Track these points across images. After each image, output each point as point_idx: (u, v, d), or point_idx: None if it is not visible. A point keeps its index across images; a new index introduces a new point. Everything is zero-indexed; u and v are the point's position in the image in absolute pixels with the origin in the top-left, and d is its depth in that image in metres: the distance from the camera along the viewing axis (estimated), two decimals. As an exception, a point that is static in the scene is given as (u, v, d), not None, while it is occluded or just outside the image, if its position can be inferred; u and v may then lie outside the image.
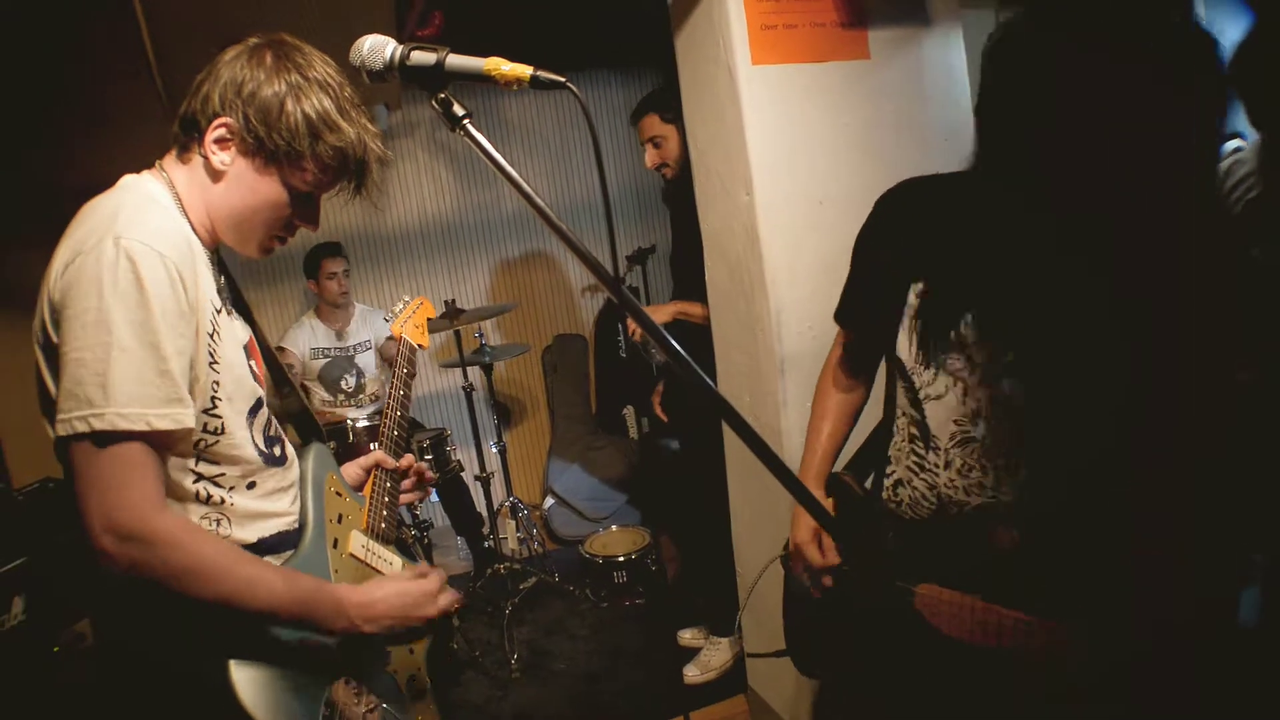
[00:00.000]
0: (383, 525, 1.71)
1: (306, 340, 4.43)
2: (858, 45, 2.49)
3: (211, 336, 1.33)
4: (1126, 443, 1.31)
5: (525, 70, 1.06)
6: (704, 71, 2.53)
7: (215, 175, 1.38)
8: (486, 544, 4.44)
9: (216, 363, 1.34)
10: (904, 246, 1.54)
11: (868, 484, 1.75)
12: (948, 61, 2.60)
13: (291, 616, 1.30)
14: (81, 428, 1.16)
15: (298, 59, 1.37)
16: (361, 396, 4.45)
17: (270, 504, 1.44)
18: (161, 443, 1.23)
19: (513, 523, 4.54)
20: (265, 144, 1.34)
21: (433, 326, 3.79)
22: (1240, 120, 2.79)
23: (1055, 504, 1.40)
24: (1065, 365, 1.33)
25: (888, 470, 1.66)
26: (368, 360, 4.51)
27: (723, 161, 2.53)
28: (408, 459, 1.85)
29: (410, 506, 4.16)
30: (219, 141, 1.36)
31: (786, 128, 2.41)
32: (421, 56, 1.10)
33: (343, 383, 4.42)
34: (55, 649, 2.98)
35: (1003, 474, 1.43)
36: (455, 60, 1.09)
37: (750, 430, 1.07)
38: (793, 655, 1.86)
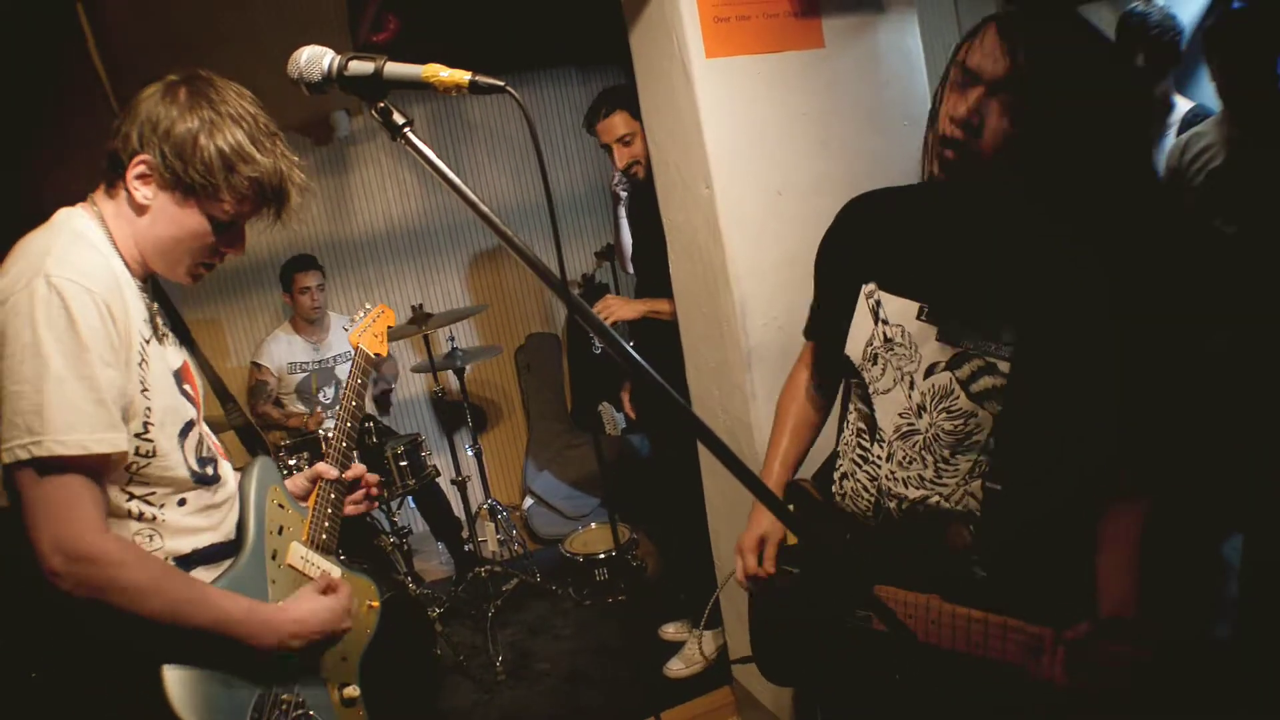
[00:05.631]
0: (324, 536, 1.75)
1: (284, 354, 4.38)
2: (812, 34, 2.49)
3: (141, 365, 1.40)
4: (1084, 437, 1.34)
5: (463, 76, 1.06)
6: (659, 67, 2.52)
7: (139, 209, 1.44)
8: (466, 547, 4.42)
9: (147, 390, 1.40)
10: (857, 250, 1.60)
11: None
12: (905, 47, 2.60)
13: (225, 635, 1.37)
14: (23, 455, 1.23)
15: (211, 94, 1.43)
16: (338, 408, 4.40)
17: (201, 519, 1.51)
18: (99, 467, 1.30)
19: (492, 525, 4.53)
20: (182, 178, 1.40)
21: (402, 333, 3.76)
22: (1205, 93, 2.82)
23: (1007, 498, 1.40)
24: (1016, 359, 1.35)
25: (837, 464, 1.68)
26: (347, 371, 4.45)
27: (681, 156, 2.52)
28: (356, 469, 1.89)
29: (388, 513, 4.15)
30: (140, 177, 1.42)
31: (743, 120, 2.40)
32: (359, 66, 1.08)
33: (320, 394, 4.38)
34: (33, 675, 2.94)
35: (943, 466, 1.44)
36: (393, 68, 1.08)
37: (710, 433, 1.06)
38: (760, 664, 1.87)
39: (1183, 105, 2.89)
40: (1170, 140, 2.79)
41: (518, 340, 5.55)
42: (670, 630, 3.65)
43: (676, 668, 3.37)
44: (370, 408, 4.60)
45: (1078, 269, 1.29)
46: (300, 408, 4.39)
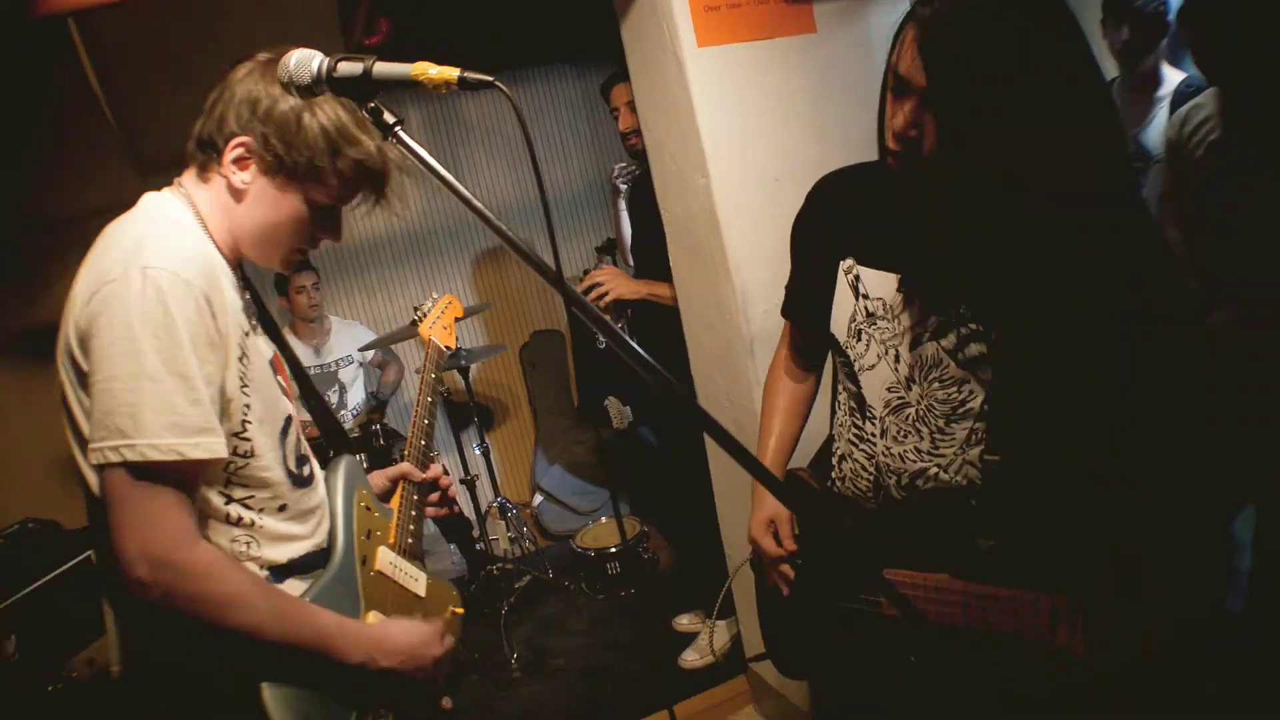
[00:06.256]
0: (409, 540, 1.66)
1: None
2: (803, 19, 2.49)
3: (241, 360, 1.32)
4: (1077, 401, 1.31)
5: (452, 72, 1.05)
6: (652, 58, 2.52)
7: (237, 195, 1.37)
8: (478, 546, 4.43)
9: (247, 386, 1.33)
10: (830, 228, 1.58)
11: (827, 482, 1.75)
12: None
13: (312, 649, 1.29)
14: (114, 458, 1.15)
15: None
16: (344, 412, 4.42)
17: (299, 526, 1.43)
18: (194, 472, 1.23)
19: (502, 523, 4.53)
20: (285, 161, 1.33)
21: (405, 334, 3.77)
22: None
23: (1006, 466, 1.39)
24: (1000, 326, 1.34)
25: (834, 447, 1.67)
26: (349, 375, 4.48)
27: (677, 146, 2.53)
28: (435, 470, 1.80)
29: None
30: (238, 161, 1.35)
31: (737, 108, 2.40)
32: (348, 67, 1.08)
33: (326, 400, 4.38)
34: (50, 688, 2.97)
35: (939, 437, 1.43)
36: (382, 68, 1.08)
37: (710, 418, 1.06)
38: (773, 658, 1.86)
39: (1173, 77, 2.87)
40: (1161, 112, 2.78)
41: (522, 338, 5.55)
42: (683, 622, 3.66)
43: (691, 659, 3.37)
44: (360, 406, 4.59)
45: (1044, 238, 1.25)
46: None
